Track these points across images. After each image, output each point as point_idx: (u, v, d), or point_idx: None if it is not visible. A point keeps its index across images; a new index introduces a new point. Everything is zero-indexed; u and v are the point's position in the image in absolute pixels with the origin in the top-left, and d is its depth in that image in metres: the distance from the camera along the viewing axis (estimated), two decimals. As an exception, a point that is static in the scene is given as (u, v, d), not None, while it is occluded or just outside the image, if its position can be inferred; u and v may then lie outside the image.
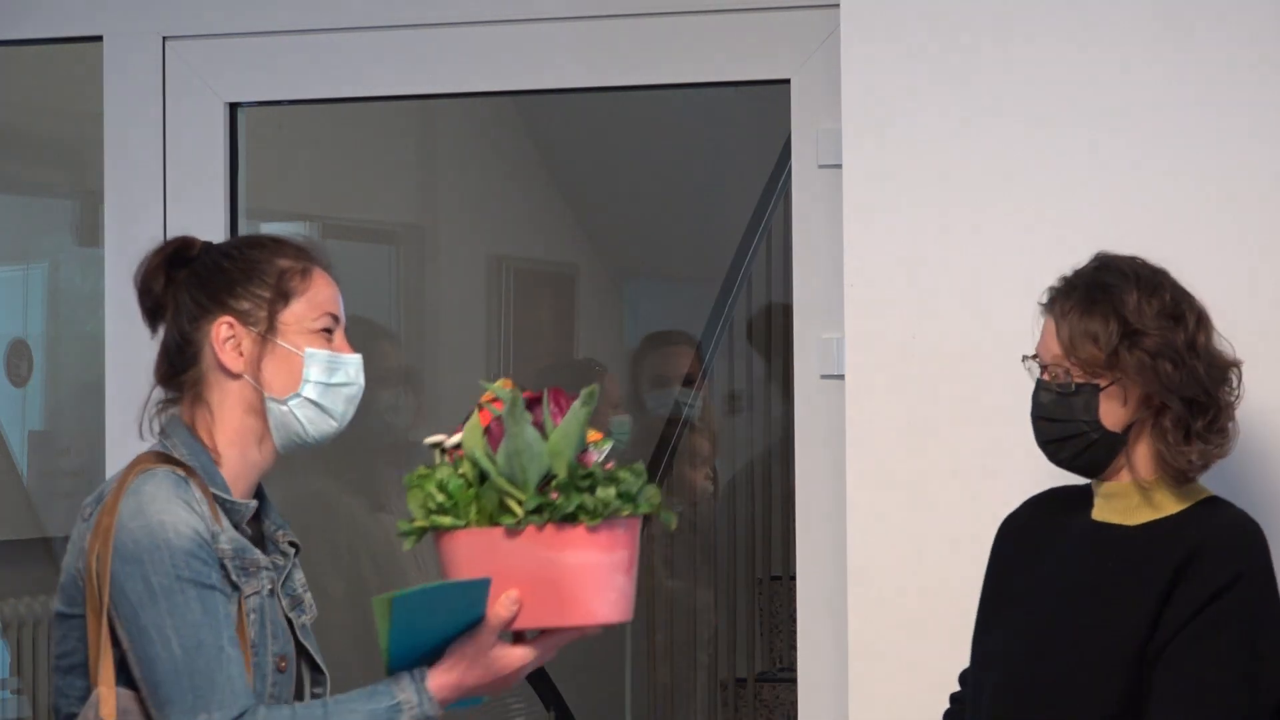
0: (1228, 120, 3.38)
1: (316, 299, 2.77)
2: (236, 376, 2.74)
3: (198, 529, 2.63)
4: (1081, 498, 3.00)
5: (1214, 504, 2.92)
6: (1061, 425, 2.90)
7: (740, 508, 5.75)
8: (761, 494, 5.80)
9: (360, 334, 2.90)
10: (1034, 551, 2.99)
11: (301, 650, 2.76)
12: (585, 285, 5.07)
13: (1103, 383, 2.88)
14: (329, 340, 2.77)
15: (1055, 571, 2.94)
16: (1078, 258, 3.15)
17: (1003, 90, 3.46)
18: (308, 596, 2.82)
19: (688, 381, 5.18)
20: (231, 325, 2.74)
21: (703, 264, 4.95)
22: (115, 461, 3.99)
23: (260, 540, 2.78)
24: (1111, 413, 2.89)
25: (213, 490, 2.71)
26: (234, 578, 2.66)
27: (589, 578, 2.56)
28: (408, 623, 2.57)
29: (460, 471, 2.60)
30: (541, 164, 4.99)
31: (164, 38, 4.00)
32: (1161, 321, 2.89)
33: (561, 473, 2.58)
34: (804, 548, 3.67)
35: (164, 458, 2.71)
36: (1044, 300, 2.97)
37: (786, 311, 3.84)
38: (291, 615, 2.76)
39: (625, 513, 2.59)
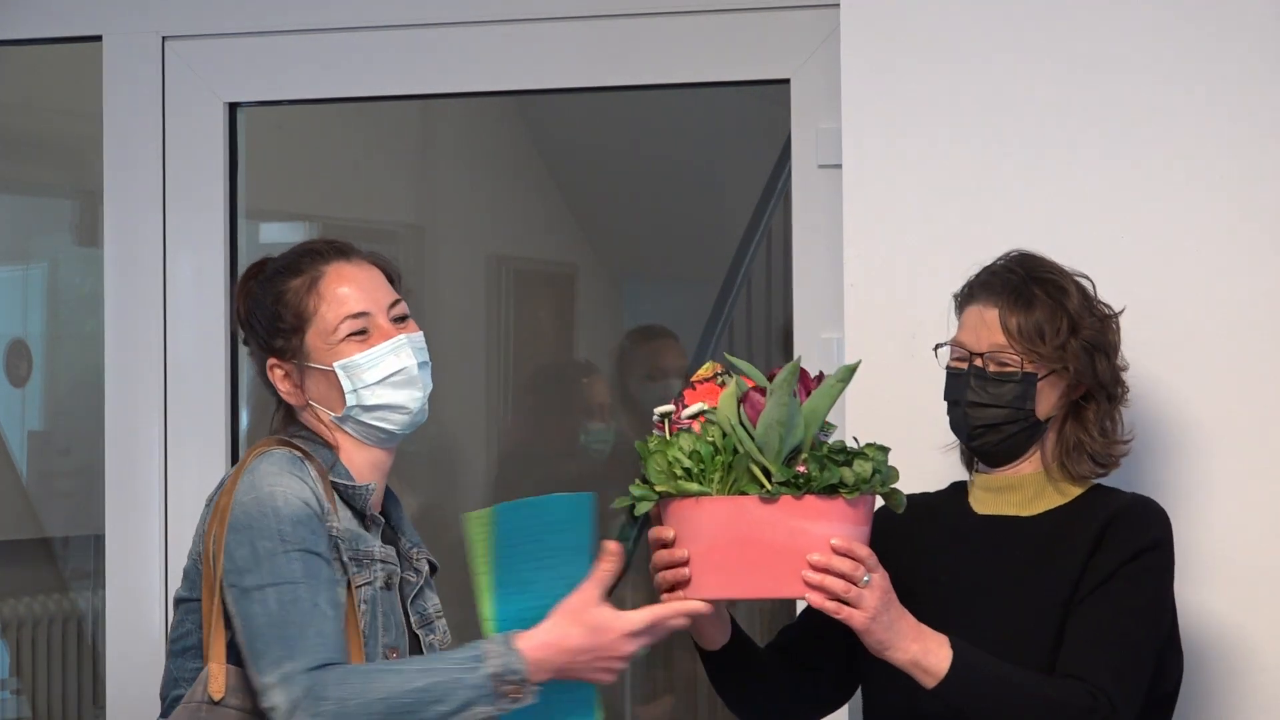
0: (1229, 123, 3.38)
1: (332, 309, 2.77)
2: (305, 407, 2.77)
3: (307, 500, 2.65)
4: (938, 502, 3.05)
5: (1107, 490, 3.01)
6: (995, 411, 2.95)
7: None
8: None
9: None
10: (921, 553, 2.99)
11: None
12: (585, 285, 5.06)
13: (1041, 372, 2.95)
14: (363, 339, 2.77)
15: (958, 571, 2.95)
16: (1078, 257, 3.15)
17: (1003, 90, 3.45)
18: (441, 622, 2.81)
19: (679, 375, 5.17)
20: (278, 365, 2.79)
21: (702, 264, 4.94)
22: (115, 461, 3.99)
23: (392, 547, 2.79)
24: (1044, 403, 2.97)
25: (331, 477, 2.72)
26: (344, 559, 2.66)
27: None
28: (510, 541, 2.57)
29: (710, 439, 2.62)
30: (541, 164, 4.98)
31: (164, 37, 4.00)
32: (1094, 318, 3.00)
33: (806, 446, 2.61)
34: (804, 548, 3.67)
35: (283, 441, 2.75)
36: (970, 290, 3.01)
37: (786, 311, 3.83)
38: (419, 632, 2.77)
39: (876, 489, 2.67)
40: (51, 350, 5.22)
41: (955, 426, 3.01)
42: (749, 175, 4.59)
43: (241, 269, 4.01)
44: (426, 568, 2.82)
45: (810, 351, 3.71)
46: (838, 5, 3.55)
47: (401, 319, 2.80)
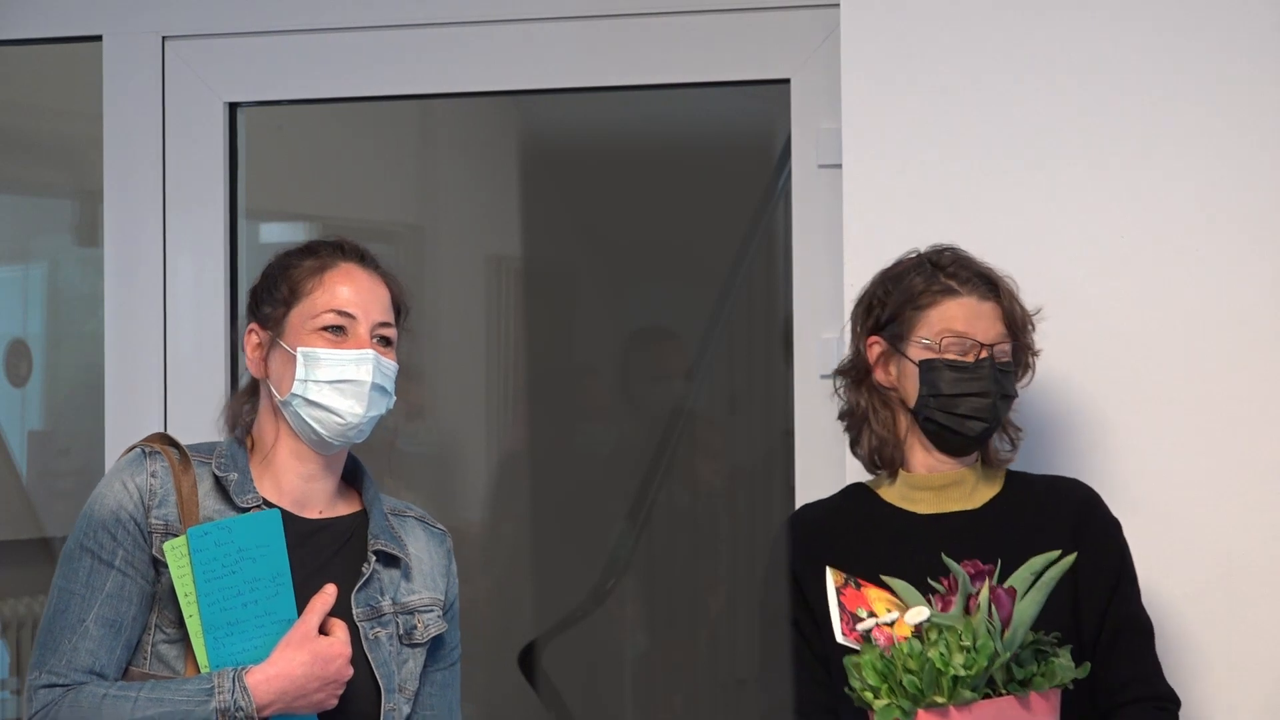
0: (1232, 126, 3.38)
1: (325, 297, 2.78)
2: (263, 380, 2.77)
3: (123, 503, 2.69)
4: (848, 508, 3.07)
5: (1022, 473, 3.08)
6: (1008, 402, 3.00)
7: (740, 507, 5.75)
8: (761, 494, 5.79)
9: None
10: (872, 559, 2.98)
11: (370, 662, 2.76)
12: (585, 285, 5.06)
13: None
14: (338, 337, 2.77)
15: (932, 571, 2.94)
16: (1078, 257, 3.15)
17: (1003, 90, 3.45)
18: (399, 616, 2.81)
19: (682, 376, 5.17)
20: (256, 331, 2.80)
21: (702, 264, 4.94)
22: (115, 461, 3.99)
23: (347, 538, 2.80)
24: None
25: (217, 471, 2.74)
26: (155, 552, 2.68)
27: None
28: (209, 574, 2.61)
29: (963, 644, 2.69)
30: (541, 164, 4.98)
31: (163, 37, 4.00)
32: None
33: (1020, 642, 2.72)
34: (804, 548, 3.67)
35: (161, 437, 2.78)
36: (944, 282, 3.01)
37: (786, 311, 3.83)
38: (363, 625, 2.76)
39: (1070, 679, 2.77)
40: (51, 350, 5.21)
41: (965, 419, 2.99)
42: (749, 175, 4.59)
43: (242, 269, 4.03)
44: (373, 558, 2.81)
45: (810, 351, 3.71)
46: (838, 5, 3.55)
47: (385, 342, 2.82)
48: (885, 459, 3.07)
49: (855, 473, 3.49)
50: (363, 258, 2.84)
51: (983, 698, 2.69)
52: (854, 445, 3.11)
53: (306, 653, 2.64)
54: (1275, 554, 3.32)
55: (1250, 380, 3.36)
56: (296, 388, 2.75)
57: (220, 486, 2.74)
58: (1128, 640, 2.96)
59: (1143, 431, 3.36)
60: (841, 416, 3.12)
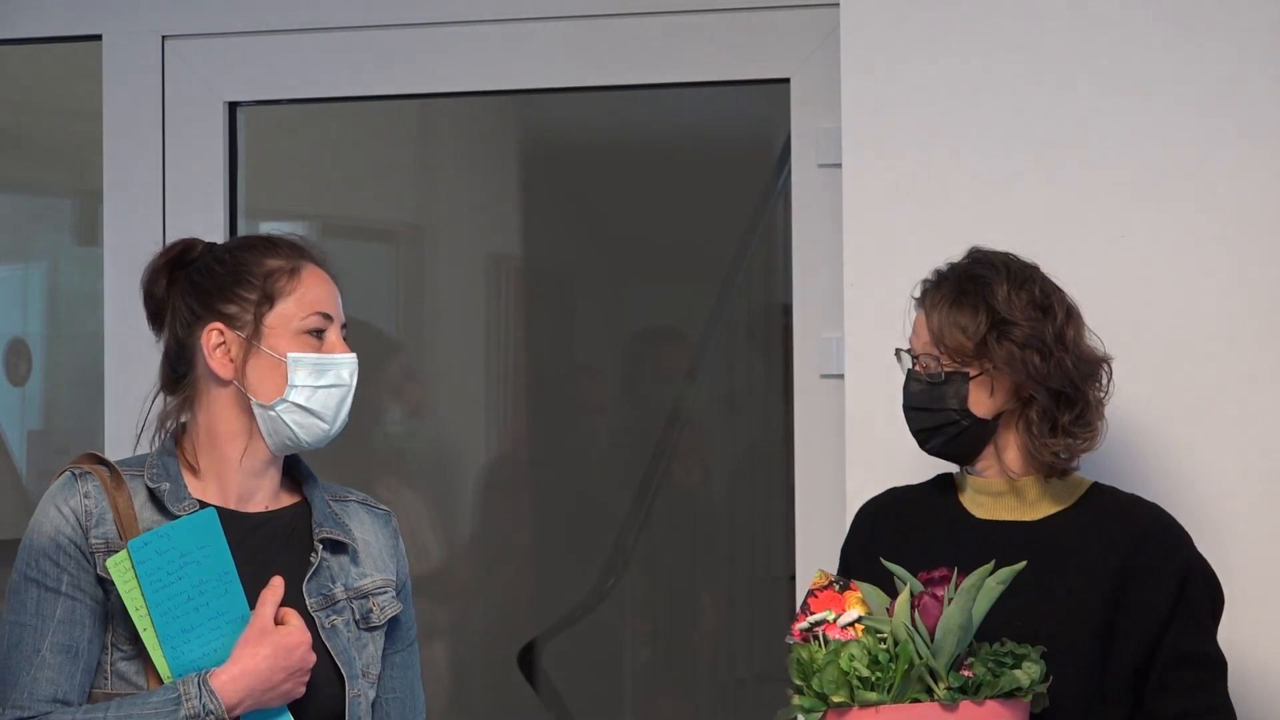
0: (1227, 126, 3.38)
1: (305, 298, 2.75)
2: (228, 383, 2.74)
3: (60, 529, 2.68)
4: (926, 498, 3.05)
5: (1105, 489, 3.01)
6: (931, 414, 2.94)
7: (740, 507, 5.75)
8: (761, 494, 5.79)
9: (357, 339, 2.89)
10: (923, 555, 2.95)
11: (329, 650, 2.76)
12: (585, 285, 5.06)
13: (972, 371, 2.93)
14: (319, 340, 2.76)
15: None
16: (1078, 257, 3.15)
17: (1003, 90, 3.45)
18: (353, 602, 2.79)
19: (684, 377, 5.17)
20: (221, 331, 2.74)
21: (702, 264, 4.94)
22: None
23: (291, 535, 2.78)
24: (980, 402, 2.94)
25: (149, 482, 2.72)
26: (100, 571, 2.67)
27: None
28: (155, 584, 2.60)
29: (884, 646, 2.68)
30: (541, 164, 4.98)
31: (163, 37, 4.00)
32: (1030, 313, 2.94)
33: (959, 649, 2.68)
34: (804, 548, 3.67)
35: (91, 457, 2.76)
36: (916, 294, 3.01)
37: (786, 311, 3.83)
38: (317, 615, 2.76)
39: (1038, 690, 2.73)
40: (51, 350, 5.21)
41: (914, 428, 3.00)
42: (749, 175, 4.59)
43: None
44: (320, 546, 2.79)
45: (810, 351, 3.71)
46: (838, 5, 3.55)
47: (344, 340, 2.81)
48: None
49: (856, 474, 3.49)
50: (318, 260, 2.80)
51: (911, 702, 2.67)
52: None
53: (267, 646, 2.64)
54: None
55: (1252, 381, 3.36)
56: (289, 393, 2.73)
57: (155, 498, 2.72)
58: (1183, 674, 2.91)
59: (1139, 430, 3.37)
60: None
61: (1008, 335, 2.92)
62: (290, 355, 2.72)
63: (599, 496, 4.86)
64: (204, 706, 2.60)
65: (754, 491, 5.80)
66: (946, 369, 2.93)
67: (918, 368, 2.96)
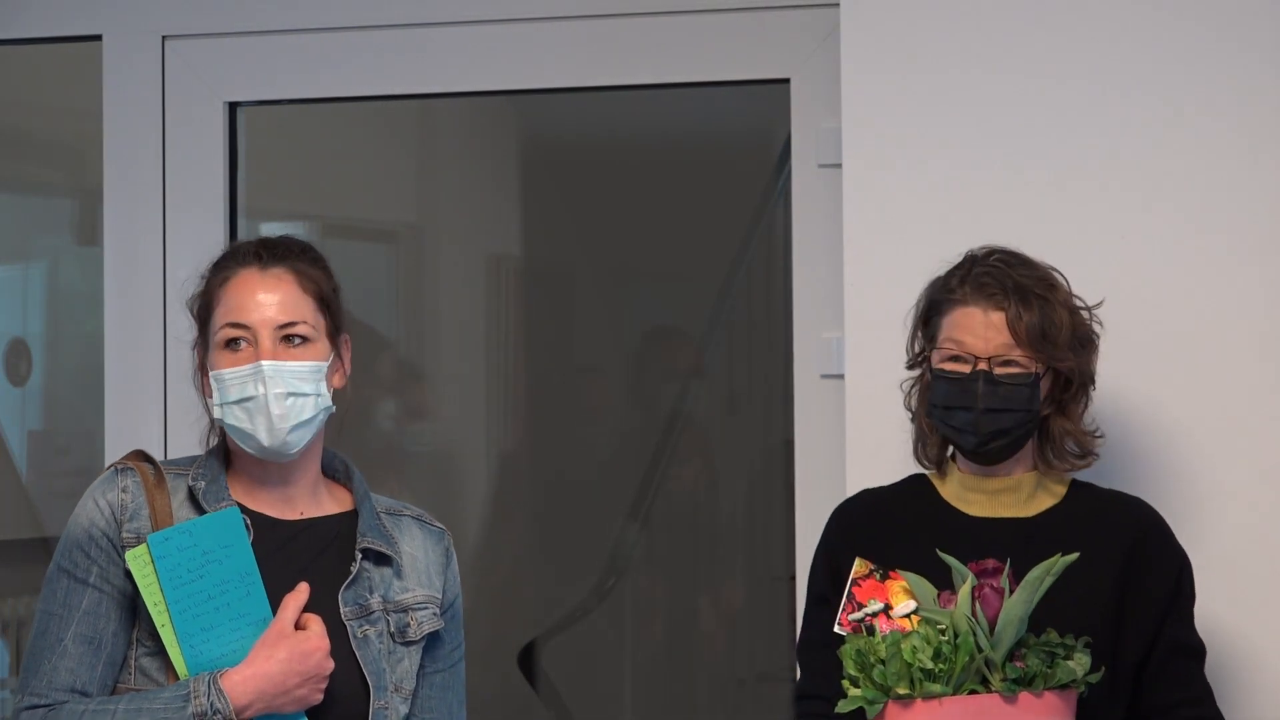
0: (1227, 127, 3.38)
1: (224, 309, 2.74)
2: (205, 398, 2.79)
3: (95, 521, 2.68)
4: (904, 499, 3.05)
5: (1086, 484, 3.04)
6: (1013, 415, 2.93)
7: (740, 507, 5.75)
8: (761, 494, 5.79)
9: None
10: (911, 555, 2.96)
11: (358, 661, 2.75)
12: (585, 285, 5.06)
13: (1041, 371, 2.94)
14: (235, 351, 2.73)
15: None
16: (1079, 256, 3.15)
17: (1003, 89, 3.45)
18: (390, 614, 2.78)
19: (691, 376, 5.18)
20: (198, 350, 2.79)
21: (702, 264, 4.94)
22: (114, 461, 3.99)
23: (333, 540, 2.78)
24: (1040, 403, 2.96)
25: (191, 481, 2.73)
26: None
27: None
28: (175, 581, 2.61)
29: (944, 638, 2.69)
30: (541, 164, 4.98)
31: (163, 37, 4.00)
32: (1080, 311, 3.02)
33: (1012, 641, 2.70)
34: (804, 548, 3.67)
35: (138, 454, 2.77)
36: (956, 291, 2.98)
37: (786, 311, 3.83)
38: (350, 624, 2.75)
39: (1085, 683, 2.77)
40: (51, 350, 5.21)
41: (960, 431, 2.96)
42: (749, 175, 4.59)
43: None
44: (359, 556, 2.78)
45: (810, 351, 3.71)
46: (838, 5, 3.55)
47: (296, 341, 2.73)
48: (930, 457, 3.07)
49: (856, 474, 3.49)
50: (261, 257, 2.75)
51: (969, 694, 2.68)
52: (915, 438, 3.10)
53: (283, 649, 2.63)
54: None
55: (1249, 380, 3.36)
56: (215, 411, 2.74)
57: (192, 496, 2.72)
58: (1177, 664, 2.95)
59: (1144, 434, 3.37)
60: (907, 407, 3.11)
61: (1076, 334, 2.99)
62: (212, 373, 2.74)
63: (599, 496, 4.86)
64: (211, 705, 2.59)
65: (754, 491, 5.80)
66: (1035, 369, 2.94)
67: (984, 366, 2.95)
